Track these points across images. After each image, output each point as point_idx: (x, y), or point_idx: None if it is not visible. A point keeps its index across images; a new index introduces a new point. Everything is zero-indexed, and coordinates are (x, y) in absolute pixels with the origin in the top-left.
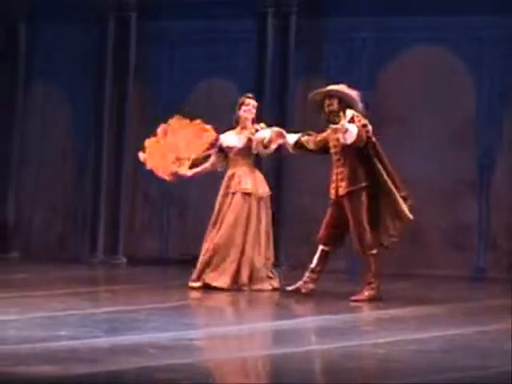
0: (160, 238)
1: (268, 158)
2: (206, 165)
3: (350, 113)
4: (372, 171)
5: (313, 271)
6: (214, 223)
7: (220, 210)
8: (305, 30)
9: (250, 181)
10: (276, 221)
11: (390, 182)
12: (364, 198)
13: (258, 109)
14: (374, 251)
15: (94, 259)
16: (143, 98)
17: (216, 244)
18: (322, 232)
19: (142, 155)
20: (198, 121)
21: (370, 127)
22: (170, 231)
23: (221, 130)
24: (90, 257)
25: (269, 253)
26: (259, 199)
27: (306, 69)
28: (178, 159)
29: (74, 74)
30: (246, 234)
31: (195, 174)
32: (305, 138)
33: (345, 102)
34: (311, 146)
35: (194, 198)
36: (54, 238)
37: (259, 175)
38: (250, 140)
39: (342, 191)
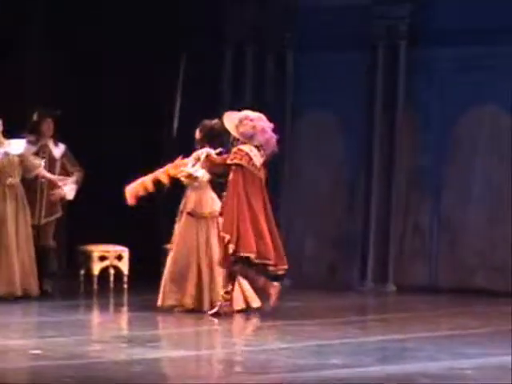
0: (429, 265)
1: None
2: None
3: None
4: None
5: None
6: None
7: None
8: None
9: (193, 200)
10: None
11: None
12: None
13: None
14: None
15: (364, 287)
16: (413, 125)
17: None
18: None
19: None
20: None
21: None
22: (440, 258)
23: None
24: (360, 285)
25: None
26: (205, 219)
27: None
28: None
29: (342, 101)
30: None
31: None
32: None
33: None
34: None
35: (469, 224)
36: (324, 266)
37: (206, 195)
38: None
39: None
